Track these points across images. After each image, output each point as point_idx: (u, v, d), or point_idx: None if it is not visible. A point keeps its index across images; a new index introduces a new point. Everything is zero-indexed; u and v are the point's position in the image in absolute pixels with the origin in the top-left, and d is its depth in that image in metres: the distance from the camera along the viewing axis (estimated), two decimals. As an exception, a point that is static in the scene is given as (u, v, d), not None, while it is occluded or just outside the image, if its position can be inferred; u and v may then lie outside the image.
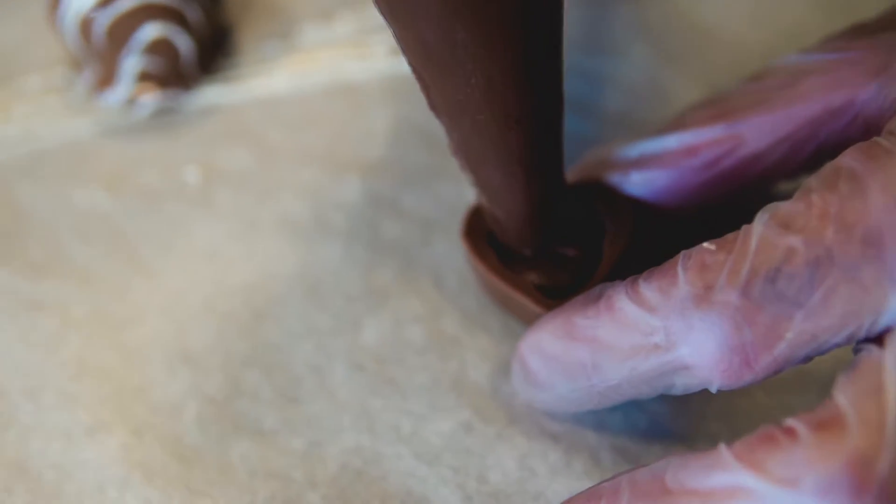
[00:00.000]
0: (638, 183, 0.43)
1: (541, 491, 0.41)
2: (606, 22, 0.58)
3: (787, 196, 0.35)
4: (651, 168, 0.42)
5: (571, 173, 0.46)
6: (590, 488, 0.37)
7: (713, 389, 0.35)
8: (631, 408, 0.43)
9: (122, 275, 0.49)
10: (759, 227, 0.34)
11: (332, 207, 0.51)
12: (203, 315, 0.47)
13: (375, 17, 0.58)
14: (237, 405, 0.44)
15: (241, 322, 0.47)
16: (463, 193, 0.50)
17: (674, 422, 0.42)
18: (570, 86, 0.52)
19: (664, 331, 0.35)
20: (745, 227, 0.35)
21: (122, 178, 0.53)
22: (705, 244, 0.35)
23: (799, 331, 0.33)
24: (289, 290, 0.48)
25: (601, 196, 0.44)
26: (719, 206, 0.43)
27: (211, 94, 0.56)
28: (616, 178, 0.43)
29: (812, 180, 0.34)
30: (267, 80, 0.56)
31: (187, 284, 0.48)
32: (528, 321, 0.44)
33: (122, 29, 0.52)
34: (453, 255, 0.48)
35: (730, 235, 0.35)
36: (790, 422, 0.32)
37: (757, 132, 0.40)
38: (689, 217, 0.44)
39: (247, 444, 0.43)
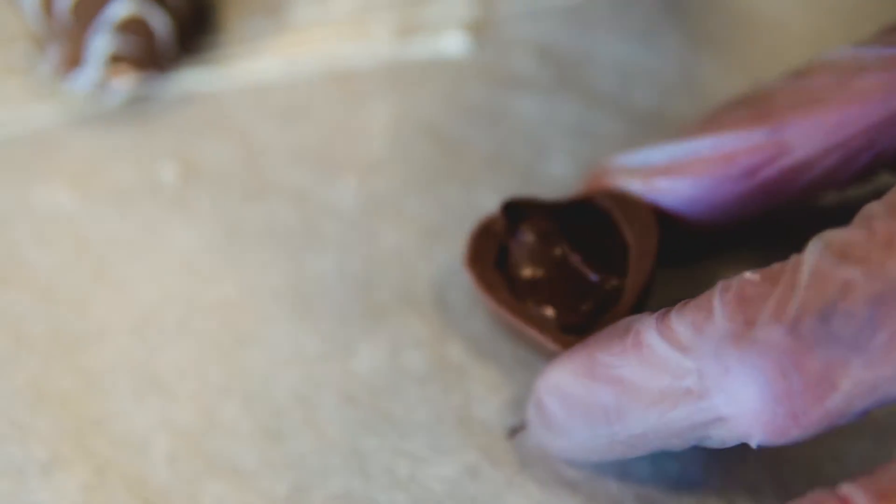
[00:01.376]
0: (665, 193, 0.40)
1: None
2: (640, 6, 0.55)
3: (834, 209, 0.32)
4: (681, 176, 0.40)
5: (587, 181, 0.43)
6: None
7: (753, 445, 0.32)
8: (659, 452, 0.39)
9: (85, 287, 0.46)
10: (812, 257, 0.31)
11: (325, 213, 0.48)
12: (176, 336, 0.44)
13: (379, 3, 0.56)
14: (212, 441, 0.41)
15: (218, 344, 0.44)
16: (472, 199, 0.48)
17: (707, 470, 0.39)
18: (600, 79, 0.52)
19: (697, 374, 0.32)
20: (794, 256, 0.32)
21: (89, 174, 0.50)
22: (747, 274, 0.32)
23: (856, 380, 0.30)
24: (274, 308, 0.45)
25: (623, 209, 0.41)
26: (758, 220, 0.41)
27: (191, 80, 0.53)
28: (640, 188, 0.41)
29: (875, 206, 0.31)
30: (254, 64, 0.54)
31: (159, 300, 0.45)
32: (543, 354, 0.41)
33: (90, 2, 0.49)
34: (460, 269, 0.45)
35: (776, 265, 0.32)
36: (846, 489, 0.29)
37: (804, 138, 0.38)
38: (723, 233, 0.41)
39: (222, 486, 0.40)
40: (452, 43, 0.54)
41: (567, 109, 0.51)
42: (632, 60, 0.53)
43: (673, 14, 0.55)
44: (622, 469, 0.39)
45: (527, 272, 0.41)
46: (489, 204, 0.46)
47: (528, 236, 0.42)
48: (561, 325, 0.39)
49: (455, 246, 0.46)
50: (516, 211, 0.42)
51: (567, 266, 0.41)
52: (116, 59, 0.50)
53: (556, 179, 0.48)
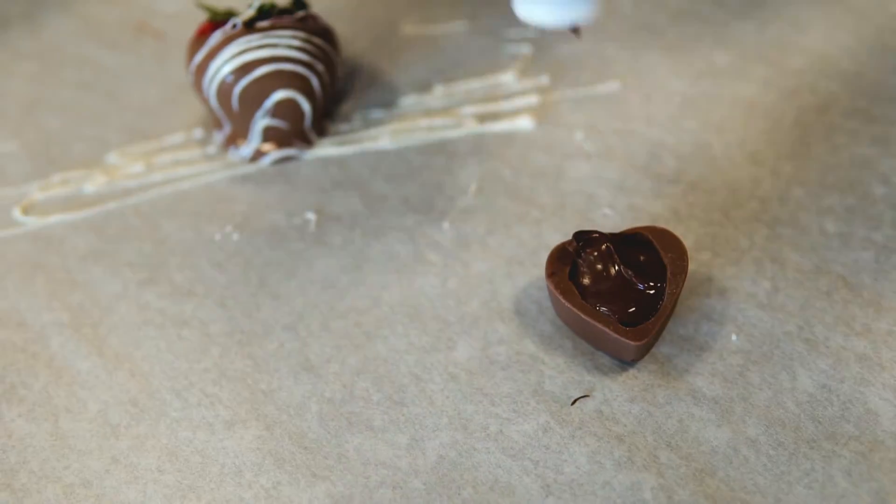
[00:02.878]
0: None
1: (608, 481, 0.47)
2: (662, 98, 0.66)
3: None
4: None
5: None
6: None
7: None
8: (685, 416, 0.49)
9: (251, 297, 0.57)
10: None
11: (429, 247, 0.58)
12: (321, 332, 0.55)
13: (464, 90, 0.67)
14: (351, 406, 0.51)
15: (353, 339, 0.54)
16: (540, 236, 0.58)
17: (719, 428, 0.48)
18: (634, 151, 0.62)
19: None
20: None
21: (251, 217, 0.61)
22: None
23: None
24: (393, 314, 0.55)
25: (660, 240, 0.52)
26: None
27: (327, 151, 0.64)
28: None
29: None
30: (374, 140, 0.65)
31: (307, 306, 0.56)
32: (604, 346, 0.52)
33: (256, 93, 0.61)
34: (532, 287, 0.55)
35: None
36: None
37: None
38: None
39: (360, 439, 0.50)
40: (522, 123, 0.65)
41: (610, 172, 0.61)
42: (658, 138, 0.63)
43: (690, 106, 0.65)
44: (656, 426, 0.49)
45: (591, 282, 0.52)
46: (553, 240, 0.57)
47: (592, 256, 0.52)
48: (619, 320, 0.50)
49: (528, 271, 0.56)
50: (584, 238, 0.52)
51: (621, 278, 0.51)
52: (271, 135, 0.63)
53: (603, 223, 0.58)
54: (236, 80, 0.60)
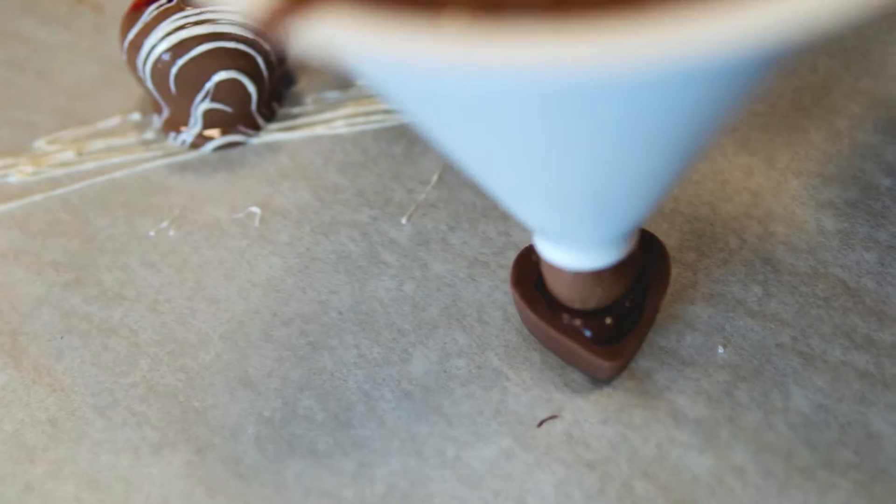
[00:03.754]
0: None
1: None
2: None
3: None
4: None
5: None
6: None
7: None
8: (664, 440, 0.45)
9: (187, 302, 0.52)
10: None
11: (385, 245, 0.54)
12: (262, 342, 0.50)
13: None
14: (292, 427, 0.47)
15: (297, 349, 0.50)
16: (508, 233, 0.54)
17: (702, 454, 0.45)
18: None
19: None
20: None
21: (190, 211, 0.56)
22: None
23: None
24: (342, 321, 0.51)
25: (645, 243, 0.47)
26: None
27: (274, 137, 0.60)
28: None
29: None
30: (327, 125, 0.60)
31: (247, 313, 0.51)
32: (575, 363, 0.47)
33: (195, 74, 0.56)
34: (497, 291, 0.51)
35: None
36: None
37: None
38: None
39: (301, 465, 0.46)
40: None
41: None
42: None
43: None
44: (632, 452, 0.45)
45: None
46: (523, 238, 0.53)
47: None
48: (593, 335, 0.45)
49: (493, 272, 0.52)
50: None
51: None
52: (213, 119, 0.58)
53: None
54: (173, 60, 0.55)
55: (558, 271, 0.43)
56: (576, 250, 0.41)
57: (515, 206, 0.37)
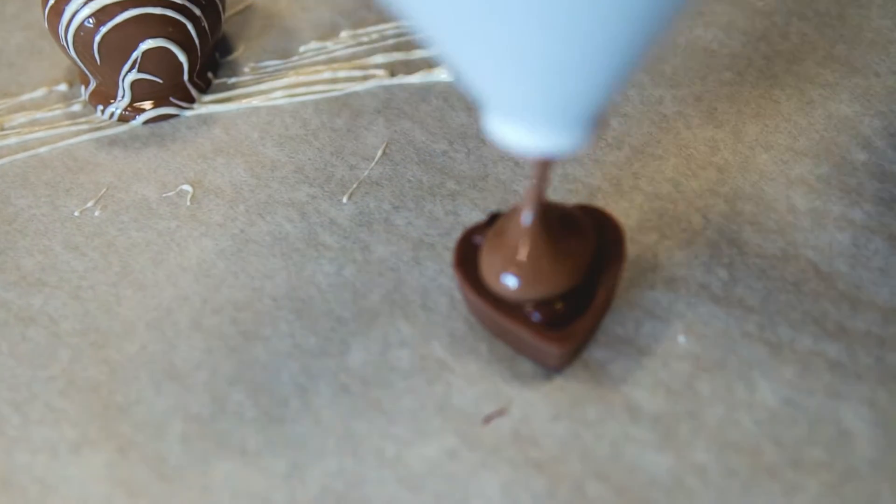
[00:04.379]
0: None
1: None
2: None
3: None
4: None
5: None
6: None
7: None
8: (619, 437, 0.43)
9: (112, 288, 0.49)
10: None
11: (324, 226, 0.51)
12: (191, 331, 0.47)
13: (373, 38, 0.59)
14: (221, 424, 0.44)
15: (228, 339, 0.47)
16: (456, 213, 0.51)
17: (660, 452, 0.42)
18: None
19: None
20: None
21: (117, 189, 0.53)
22: None
23: None
24: (277, 308, 0.48)
25: (596, 220, 0.44)
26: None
27: (209, 109, 0.56)
28: None
29: None
30: (265, 96, 0.57)
31: (176, 300, 0.48)
32: (524, 350, 0.45)
33: (121, 42, 0.52)
34: (443, 276, 0.48)
35: None
36: None
37: None
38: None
39: (229, 465, 0.43)
40: (440, 75, 0.57)
41: None
42: None
43: None
44: (584, 451, 0.42)
45: None
46: (472, 218, 0.50)
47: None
48: (543, 319, 0.42)
49: (439, 256, 0.49)
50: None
51: None
52: (143, 91, 0.54)
53: None
54: (96, 27, 0.51)
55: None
56: (531, 129, 0.37)
57: (475, 63, 0.34)
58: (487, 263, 0.42)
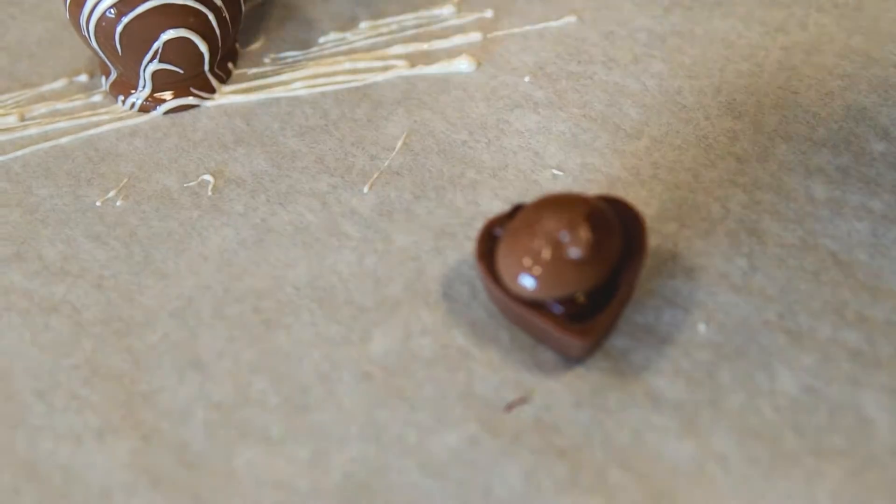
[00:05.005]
0: None
1: None
2: (624, 35, 0.58)
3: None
4: None
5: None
6: None
7: None
8: (640, 425, 0.43)
9: (134, 277, 0.49)
10: None
11: (345, 216, 0.51)
12: (213, 320, 0.48)
13: (394, 26, 0.59)
14: (244, 412, 0.45)
15: (250, 328, 0.47)
16: (476, 203, 0.51)
17: (681, 440, 0.42)
18: (590, 99, 0.54)
19: None
20: None
21: (139, 179, 0.53)
22: None
23: None
24: (299, 297, 0.48)
25: (618, 211, 0.45)
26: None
27: (229, 99, 0.57)
28: None
29: None
30: (285, 86, 0.57)
31: (198, 289, 0.49)
32: (546, 341, 0.45)
33: (142, 32, 0.52)
34: (465, 265, 0.48)
35: None
36: None
37: None
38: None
39: (252, 452, 0.43)
40: (460, 65, 0.57)
41: (561, 124, 0.54)
42: (619, 83, 0.56)
43: (657, 46, 0.58)
44: (606, 438, 0.43)
45: None
46: (493, 208, 0.50)
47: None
48: (565, 311, 0.43)
49: (461, 245, 0.49)
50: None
51: None
52: (164, 81, 0.55)
53: (551, 187, 0.51)
54: (118, 17, 0.52)
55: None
56: None
57: None
58: (505, 264, 0.43)
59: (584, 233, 0.41)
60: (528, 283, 0.42)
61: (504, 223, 0.44)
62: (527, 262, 0.42)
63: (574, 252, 0.41)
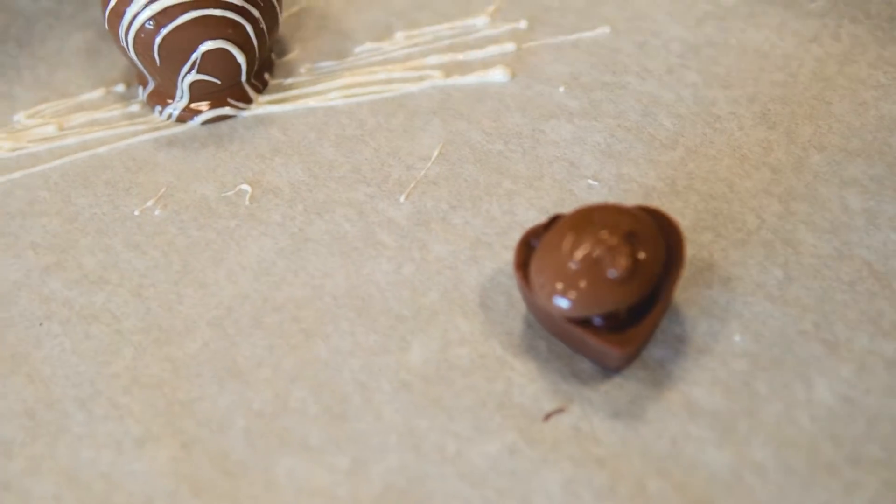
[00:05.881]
0: None
1: None
2: (658, 46, 0.58)
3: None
4: None
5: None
6: None
7: None
8: (678, 435, 0.43)
9: (173, 286, 0.50)
10: None
11: (382, 225, 0.51)
12: (251, 329, 0.48)
13: (429, 37, 0.59)
14: (284, 421, 0.45)
15: (289, 337, 0.47)
16: (513, 212, 0.51)
17: (719, 450, 0.43)
18: (624, 109, 0.54)
19: None
20: None
21: (177, 189, 0.54)
22: None
23: None
24: (337, 307, 0.48)
25: (657, 222, 0.45)
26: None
27: (266, 109, 0.57)
28: None
29: None
30: (321, 96, 0.57)
31: (236, 298, 0.49)
32: (584, 351, 0.45)
33: (180, 43, 0.53)
34: (501, 275, 0.49)
35: None
36: None
37: None
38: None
39: (292, 460, 0.44)
40: (495, 76, 0.57)
41: (596, 134, 0.54)
42: (653, 93, 0.56)
43: (691, 56, 0.57)
44: (645, 448, 0.43)
45: None
46: (529, 218, 0.50)
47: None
48: (603, 322, 0.43)
49: (497, 255, 0.49)
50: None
51: None
52: (201, 92, 0.55)
53: (587, 198, 0.51)
54: (157, 28, 0.52)
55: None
56: None
57: None
58: (539, 283, 0.43)
59: (624, 259, 0.41)
60: (562, 304, 0.42)
61: (540, 235, 0.44)
62: (560, 285, 0.42)
63: (612, 273, 0.41)
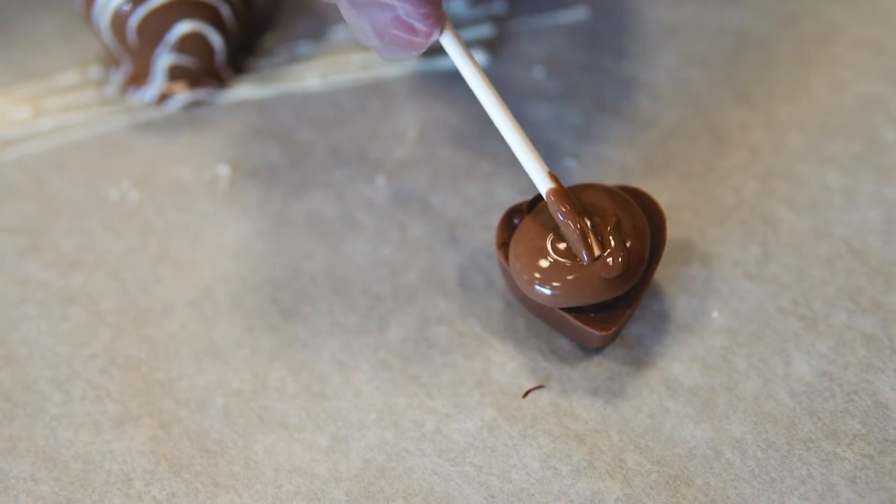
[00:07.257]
0: None
1: (564, 491, 0.41)
2: (636, 27, 0.58)
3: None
4: None
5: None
6: None
7: None
8: (657, 410, 0.43)
9: (151, 268, 0.49)
10: None
11: (361, 206, 0.51)
12: (231, 310, 0.48)
13: None
14: (263, 399, 0.45)
15: (268, 318, 0.47)
16: (490, 193, 0.51)
17: (698, 425, 0.42)
18: (603, 90, 0.54)
19: None
20: None
21: (153, 172, 0.53)
22: None
23: None
24: (315, 287, 0.48)
25: (639, 203, 0.44)
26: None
27: (243, 91, 0.57)
28: None
29: None
30: (298, 78, 0.57)
31: (215, 279, 0.49)
32: (564, 330, 0.45)
33: (156, 26, 0.52)
34: (480, 254, 0.48)
35: None
36: None
37: None
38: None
39: (272, 439, 0.44)
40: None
41: (574, 115, 0.54)
42: (631, 74, 0.55)
43: (670, 37, 0.57)
44: (623, 423, 0.43)
45: None
46: (507, 198, 0.50)
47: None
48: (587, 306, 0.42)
49: (475, 235, 0.49)
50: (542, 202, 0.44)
51: None
52: (177, 74, 0.55)
53: (566, 178, 0.50)
54: (132, 10, 0.51)
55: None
56: None
57: None
58: (520, 270, 0.42)
59: (617, 264, 0.40)
60: (545, 293, 0.41)
61: (522, 215, 0.44)
62: (544, 275, 0.41)
63: (605, 275, 0.41)
